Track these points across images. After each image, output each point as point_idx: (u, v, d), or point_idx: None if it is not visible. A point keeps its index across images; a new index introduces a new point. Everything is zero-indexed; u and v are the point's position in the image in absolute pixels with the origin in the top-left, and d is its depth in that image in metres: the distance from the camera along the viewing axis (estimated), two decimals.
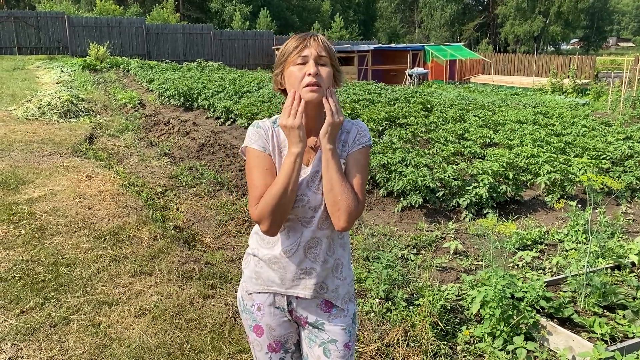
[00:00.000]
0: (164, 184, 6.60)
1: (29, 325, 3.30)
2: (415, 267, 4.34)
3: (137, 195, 5.91)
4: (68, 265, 4.12)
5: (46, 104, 10.82)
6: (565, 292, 3.68)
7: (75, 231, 4.77)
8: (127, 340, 3.19)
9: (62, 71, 18.49)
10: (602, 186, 3.39)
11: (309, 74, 1.66)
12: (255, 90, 13.49)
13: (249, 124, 9.74)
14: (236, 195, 6.21)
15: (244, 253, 1.89)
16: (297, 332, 1.91)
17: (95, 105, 12.52)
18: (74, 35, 26.89)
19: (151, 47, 28.96)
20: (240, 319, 3.48)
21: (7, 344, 3.11)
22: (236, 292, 3.84)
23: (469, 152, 7.53)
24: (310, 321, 1.84)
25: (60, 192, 5.75)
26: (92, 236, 4.67)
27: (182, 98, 12.95)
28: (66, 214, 5.13)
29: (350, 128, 1.81)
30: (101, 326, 3.34)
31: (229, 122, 10.60)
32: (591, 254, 4.31)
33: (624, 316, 3.35)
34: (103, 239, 4.64)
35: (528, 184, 6.57)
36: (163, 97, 13.83)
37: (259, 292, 1.83)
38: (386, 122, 9.37)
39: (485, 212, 5.68)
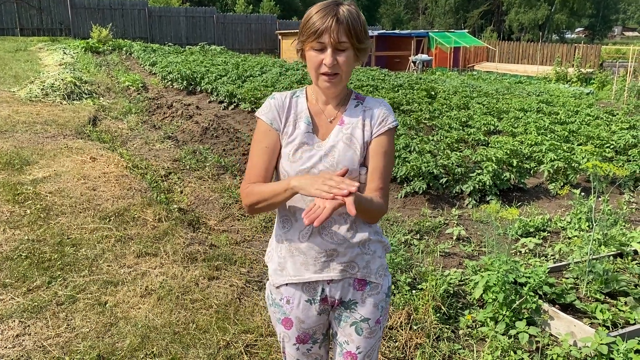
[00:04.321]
0: (168, 167, 6.61)
1: (36, 304, 3.33)
2: (418, 252, 4.37)
3: (141, 178, 5.92)
4: (73, 245, 4.15)
5: (49, 86, 10.80)
6: (567, 278, 3.70)
7: (80, 212, 4.79)
8: (133, 319, 3.23)
9: (64, 53, 18.40)
10: (606, 173, 3.39)
11: (325, 64, 1.60)
12: (259, 74, 13.43)
13: (252, 109, 9.72)
14: (240, 179, 6.22)
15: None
16: (325, 322, 1.85)
17: (98, 87, 12.49)
18: (76, 17, 26.72)
19: (154, 30, 28.79)
20: (246, 300, 3.52)
21: (14, 321, 3.14)
22: (241, 273, 3.88)
23: (472, 139, 7.53)
24: (344, 300, 1.78)
25: (65, 173, 5.77)
26: (97, 217, 4.69)
27: (185, 81, 12.90)
28: (71, 195, 5.15)
29: (372, 106, 1.73)
30: (107, 305, 3.37)
31: (232, 106, 10.56)
32: (594, 242, 4.33)
33: (625, 303, 3.37)
34: (108, 219, 4.66)
35: (531, 172, 6.57)
36: (166, 81, 13.78)
37: (287, 284, 1.77)
38: None
39: (488, 199, 5.69)
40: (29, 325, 3.12)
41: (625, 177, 6.37)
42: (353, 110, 1.73)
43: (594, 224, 3.74)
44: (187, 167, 6.64)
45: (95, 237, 4.32)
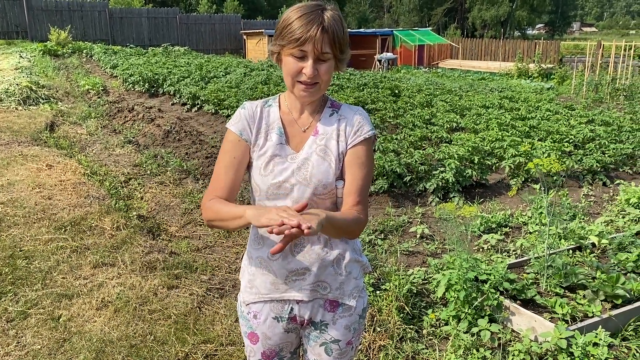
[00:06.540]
0: (128, 173, 6.44)
1: None
2: (382, 252, 4.36)
3: (99, 185, 5.76)
4: (26, 258, 3.99)
5: (3, 91, 10.43)
6: (528, 273, 3.74)
7: (34, 222, 4.62)
8: (88, 333, 3.11)
9: (21, 57, 17.81)
10: (547, 170, 3.43)
11: (305, 73, 1.52)
12: (223, 75, 13.27)
13: (216, 110, 9.59)
14: (202, 183, 6.10)
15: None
16: (294, 341, 1.80)
17: (57, 91, 12.13)
18: (33, 20, 25.92)
19: (115, 31, 28.16)
20: (206, 308, 3.44)
21: None
22: (202, 281, 3.80)
23: (436, 137, 7.58)
24: (314, 321, 1.72)
25: (19, 182, 5.56)
26: (52, 227, 4.52)
27: (147, 84, 12.65)
28: (24, 205, 4.96)
29: (347, 115, 1.65)
30: (61, 320, 3.24)
31: (196, 108, 10.40)
32: (553, 236, 4.39)
33: (584, 296, 3.42)
34: (63, 229, 4.50)
35: (493, 168, 6.65)
36: (127, 83, 13.48)
37: (255, 302, 1.71)
38: None
39: (451, 196, 5.73)
40: None
41: (584, 170, 6.52)
42: (328, 120, 1.65)
43: (549, 219, 3.79)
44: (148, 172, 6.49)
45: (49, 248, 4.16)
